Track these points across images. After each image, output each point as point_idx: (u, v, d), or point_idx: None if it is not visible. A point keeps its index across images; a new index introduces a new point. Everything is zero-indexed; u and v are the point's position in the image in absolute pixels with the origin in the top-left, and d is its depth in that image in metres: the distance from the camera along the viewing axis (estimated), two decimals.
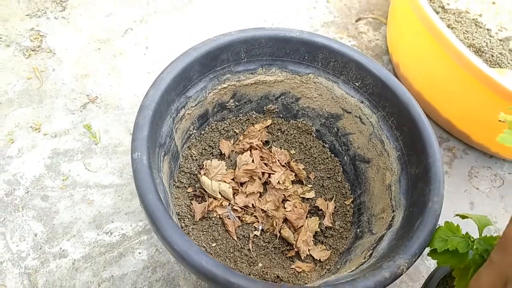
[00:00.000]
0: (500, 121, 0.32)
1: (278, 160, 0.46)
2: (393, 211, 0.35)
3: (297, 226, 0.43)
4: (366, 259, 0.33)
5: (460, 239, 0.29)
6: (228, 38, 0.37)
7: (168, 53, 0.60)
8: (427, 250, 0.30)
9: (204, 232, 0.41)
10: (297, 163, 0.47)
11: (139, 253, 0.44)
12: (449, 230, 0.29)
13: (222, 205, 0.42)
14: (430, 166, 0.32)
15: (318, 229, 0.43)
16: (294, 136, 0.48)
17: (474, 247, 0.28)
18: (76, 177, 0.48)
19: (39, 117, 0.52)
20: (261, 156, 0.45)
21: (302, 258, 0.41)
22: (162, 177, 0.34)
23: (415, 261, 0.29)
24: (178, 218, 0.40)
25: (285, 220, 0.43)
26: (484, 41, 0.59)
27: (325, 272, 0.40)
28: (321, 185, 0.46)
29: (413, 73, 0.57)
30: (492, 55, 0.58)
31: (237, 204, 0.43)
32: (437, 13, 0.65)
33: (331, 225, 0.43)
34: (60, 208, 0.46)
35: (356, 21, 0.69)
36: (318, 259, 0.41)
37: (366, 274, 0.27)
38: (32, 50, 0.57)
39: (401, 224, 0.33)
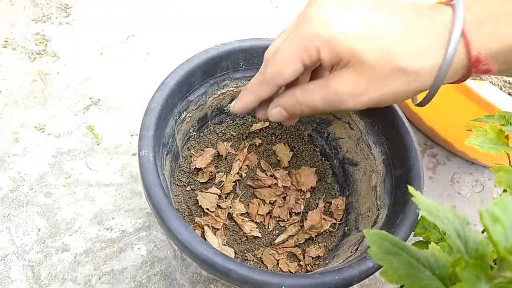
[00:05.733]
0: (468, 130, 0.35)
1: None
2: (378, 210, 0.38)
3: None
4: (352, 253, 0.36)
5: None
6: (228, 47, 0.40)
7: (167, 59, 0.63)
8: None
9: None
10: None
11: (138, 248, 0.46)
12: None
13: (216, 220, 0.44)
14: (411, 168, 0.35)
15: None
16: (287, 140, 0.51)
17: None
18: (79, 176, 0.50)
19: (44, 118, 0.54)
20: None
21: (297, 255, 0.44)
22: (165, 175, 0.36)
23: None
24: None
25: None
26: None
27: (316, 268, 0.43)
28: None
29: None
30: None
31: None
32: None
33: None
34: (63, 204, 0.48)
35: None
36: (313, 256, 0.44)
37: (352, 264, 0.30)
38: (37, 54, 0.59)
39: (384, 221, 0.35)
